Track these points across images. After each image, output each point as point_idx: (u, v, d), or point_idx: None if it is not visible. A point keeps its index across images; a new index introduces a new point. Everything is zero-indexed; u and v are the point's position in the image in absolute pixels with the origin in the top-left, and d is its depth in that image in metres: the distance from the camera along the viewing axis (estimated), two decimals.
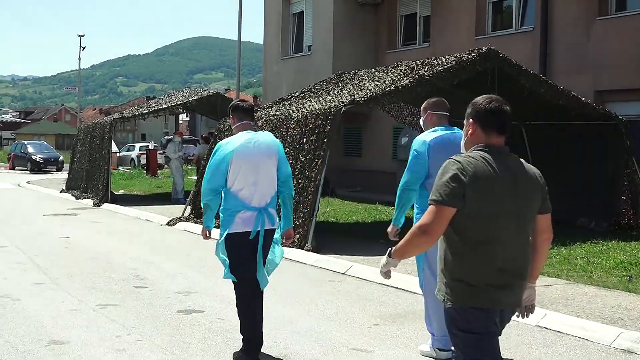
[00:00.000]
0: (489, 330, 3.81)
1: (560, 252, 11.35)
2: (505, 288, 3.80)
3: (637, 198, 14.03)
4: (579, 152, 14.80)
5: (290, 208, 6.56)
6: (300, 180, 12.57)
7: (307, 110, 13.47)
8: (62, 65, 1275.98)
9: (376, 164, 24.21)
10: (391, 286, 9.41)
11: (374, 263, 10.70)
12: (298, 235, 12.18)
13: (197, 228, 14.64)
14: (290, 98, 16.49)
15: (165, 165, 35.54)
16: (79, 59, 55.67)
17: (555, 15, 18.08)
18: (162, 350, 6.54)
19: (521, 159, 4.05)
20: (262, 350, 6.31)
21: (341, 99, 13.48)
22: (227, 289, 9.22)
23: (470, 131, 4.02)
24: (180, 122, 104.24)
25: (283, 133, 13.62)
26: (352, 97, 13.18)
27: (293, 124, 13.42)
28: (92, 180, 22.82)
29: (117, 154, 42.84)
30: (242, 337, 6.21)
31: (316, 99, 14.69)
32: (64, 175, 33.23)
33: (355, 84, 14.68)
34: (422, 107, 6.59)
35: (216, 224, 6.66)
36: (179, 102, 24.53)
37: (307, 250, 11.78)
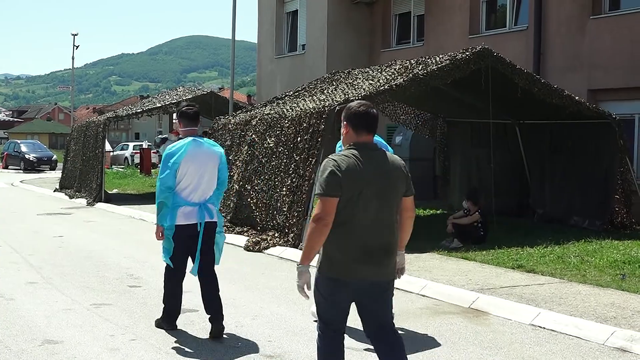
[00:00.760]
0: (341, 299, 4.71)
1: (554, 250, 11.39)
2: (371, 263, 4.63)
3: (631, 197, 14.07)
4: (572, 151, 14.83)
5: (217, 205, 7.31)
6: (294, 179, 12.57)
7: (301, 109, 13.48)
8: (55, 64, 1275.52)
9: None
10: None
11: None
12: (292, 234, 12.19)
13: None
14: (285, 97, 16.49)
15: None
16: (73, 58, 55.45)
17: (549, 14, 18.10)
18: (156, 350, 6.53)
19: (386, 153, 4.82)
20: (258, 349, 6.29)
21: (335, 98, 13.48)
22: (221, 288, 9.21)
23: (344, 131, 4.83)
24: (174, 121, 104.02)
25: (277, 132, 13.63)
26: (346, 96, 13.18)
27: (287, 123, 13.42)
28: (85, 180, 22.78)
29: (111, 153, 42.74)
30: (163, 305, 7.18)
31: (310, 98, 14.69)
32: (57, 174, 33.17)
33: (350, 83, 14.68)
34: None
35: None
36: (172, 101, 24.52)
37: (301, 249, 11.73)
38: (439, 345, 6.78)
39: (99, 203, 20.71)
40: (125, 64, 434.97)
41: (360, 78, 14.76)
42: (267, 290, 9.23)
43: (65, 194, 23.71)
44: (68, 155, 26.18)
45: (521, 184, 16.31)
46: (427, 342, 6.85)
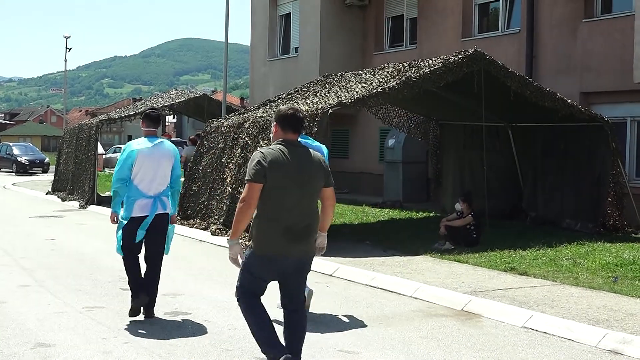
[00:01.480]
0: (266, 276, 5.53)
1: (546, 253, 11.41)
2: (295, 242, 5.41)
3: (623, 199, 14.11)
4: (565, 154, 14.87)
5: (176, 200, 8.18)
6: None
7: None
8: (47, 67, 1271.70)
9: (363, 165, 24.24)
10: (378, 288, 9.44)
11: (361, 265, 10.71)
12: None
13: (184, 230, 14.62)
14: (277, 99, 16.49)
15: None
16: (65, 60, 55.40)
17: (541, 17, 18.16)
18: (149, 353, 6.52)
19: (309, 149, 5.65)
20: (251, 353, 6.29)
21: (328, 100, 13.49)
22: (214, 291, 9.22)
23: (274, 131, 5.68)
24: (167, 123, 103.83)
25: (270, 135, 13.61)
26: (339, 98, 13.19)
27: None
28: (78, 182, 22.72)
29: (104, 156, 42.66)
30: (130, 291, 7.78)
31: (303, 100, 14.69)
32: (49, 177, 33.06)
33: (342, 86, 14.70)
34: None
35: None
36: (165, 104, 24.52)
37: None
38: (431, 347, 6.78)
39: (91, 206, 20.67)
40: (117, 66, 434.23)
41: (353, 81, 14.78)
42: None
43: (58, 197, 23.65)
44: (60, 158, 26.12)
45: (514, 186, 16.34)
46: (420, 345, 6.86)
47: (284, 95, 16.71)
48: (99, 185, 23.30)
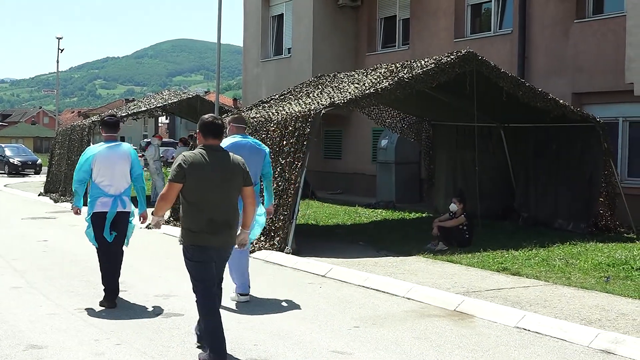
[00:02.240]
0: (204, 260, 6.16)
1: (538, 253, 11.43)
2: (216, 233, 6.11)
3: (615, 200, 14.15)
4: (557, 154, 14.90)
5: (143, 197, 8.78)
6: (280, 183, 12.55)
7: (287, 112, 13.47)
8: (40, 68, 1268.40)
9: (356, 166, 24.25)
10: (371, 288, 9.44)
11: (354, 265, 10.72)
12: (278, 238, 12.18)
13: (176, 230, 14.58)
14: (270, 100, 16.47)
15: (145, 168, 35.43)
16: (57, 61, 55.15)
17: (533, 18, 18.20)
18: (141, 354, 6.51)
19: (229, 153, 6.36)
20: (244, 354, 6.29)
21: (321, 101, 13.49)
22: None
23: (198, 138, 6.39)
24: (159, 124, 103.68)
25: (263, 135, 13.61)
26: (332, 99, 13.19)
27: (273, 126, 13.41)
28: (70, 184, 22.57)
29: None
30: (103, 287, 8.45)
31: (296, 101, 14.69)
32: (42, 178, 32.99)
33: (335, 87, 14.70)
34: (227, 120, 8.97)
35: None
36: (158, 105, 24.45)
37: (287, 253, 11.76)
38: (424, 348, 6.79)
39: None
40: (110, 67, 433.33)
41: (345, 82, 14.78)
42: (253, 293, 9.21)
43: (50, 198, 23.58)
44: (53, 159, 26.04)
45: (506, 187, 16.37)
46: (413, 345, 6.86)
47: (277, 96, 16.70)
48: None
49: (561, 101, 13.95)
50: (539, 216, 15.21)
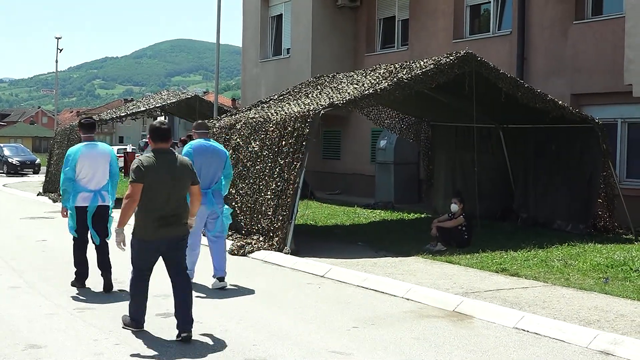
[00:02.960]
0: (145, 252, 7.04)
1: (537, 254, 11.44)
2: (167, 226, 6.94)
3: (613, 201, 14.16)
4: (555, 155, 14.90)
5: (114, 192, 9.55)
6: (279, 183, 12.56)
7: (285, 113, 13.47)
8: (39, 67, 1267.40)
9: (355, 166, 24.25)
10: (370, 289, 9.44)
11: (353, 266, 10.72)
12: (277, 238, 12.18)
13: None
14: (269, 101, 16.48)
15: None
16: (56, 61, 55.22)
17: (532, 19, 18.21)
18: (140, 354, 6.51)
19: (176, 155, 7.19)
20: (243, 354, 6.29)
21: (320, 101, 13.49)
22: (205, 293, 9.21)
23: (149, 142, 7.20)
24: None
25: (262, 136, 13.61)
26: (331, 100, 13.19)
27: (272, 126, 13.41)
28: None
29: None
30: (75, 269, 9.46)
31: (295, 101, 14.69)
32: (40, 178, 32.97)
33: (334, 87, 14.70)
34: (192, 127, 10.27)
35: None
36: (157, 105, 24.45)
37: (286, 253, 11.77)
38: (423, 348, 6.79)
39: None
40: (109, 67, 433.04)
41: (344, 82, 14.79)
42: (252, 294, 9.21)
43: (49, 198, 23.56)
44: (51, 159, 25.99)
45: (505, 188, 16.37)
46: (412, 346, 6.87)
47: (276, 96, 16.71)
48: None
49: (560, 102, 13.96)
50: (537, 217, 15.21)
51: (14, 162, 42.53)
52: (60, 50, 54.34)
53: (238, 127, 14.66)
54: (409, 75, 12.88)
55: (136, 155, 37.76)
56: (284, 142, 12.84)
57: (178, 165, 7.07)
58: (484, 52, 15.28)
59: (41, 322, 7.59)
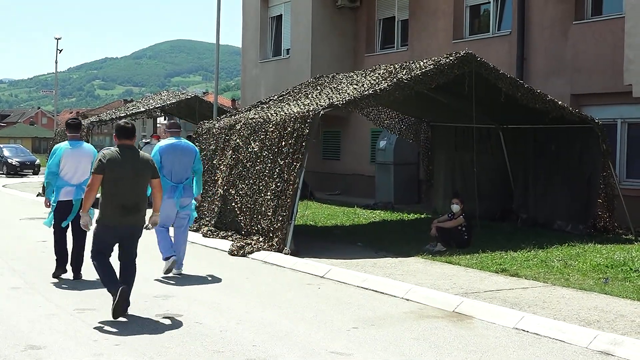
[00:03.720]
0: (107, 236, 7.88)
1: (537, 254, 11.44)
2: (127, 215, 7.77)
3: (613, 201, 14.15)
4: (555, 156, 14.90)
5: None
6: (279, 184, 12.56)
7: (285, 113, 13.47)
8: (38, 68, 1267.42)
9: (354, 167, 24.25)
10: (370, 289, 9.44)
11: (353, 266, 10.72)
12: (277, 239, 12.18)
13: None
14: (269, 101, 16.47)
15: None
16: (56, 62, 55.24)
17: (532, 19, 18.21)
18: (140, 355, 6.51)
19: (139, 151, 8.15)
20: (243, 354, 6.29)
21: (320, 102, 13.49)
22: (205, 293, 9.22)
23: (115, 139, 8.03)
24: (158, 125, 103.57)
25: (262, 136, 13.61)
26: (331, 100, 13.19)
27: (272, 127, 13.41)
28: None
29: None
30: (55, 257, 10.09)
31: (295, 102, 14.69)
32: (40, 179, 32.93)
33: (334, 88, 14.70)
34: (165, 127, 11.19)
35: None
36: (157, 106, 24.47)
37: (285, 254, 11.76)
38: (423, 349, 6.79)
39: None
40: (109, 68, 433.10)
41: (344, 82, 14.78)
42: (252, 294, 9.21)
43: None
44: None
45: (505, 188, 16.37)
46: (412, 346, 6.87)
47: (276, 96, 16.70)
48: None
49: (560, 102, 13.95)
50: (537, 217, 15.21)
51: (13, 163, 42.53)
52: (60, 50, 54.36)
53: (238, 127, 14.66)
54: (409, 76, 12.88)
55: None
56: (283, 143, 12.84)
57: (140, 160, 7.95)
58: (483, 53, 15.28)
59: (41, 323, 7.59)
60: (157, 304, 8.50)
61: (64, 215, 10.00)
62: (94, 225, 8.06)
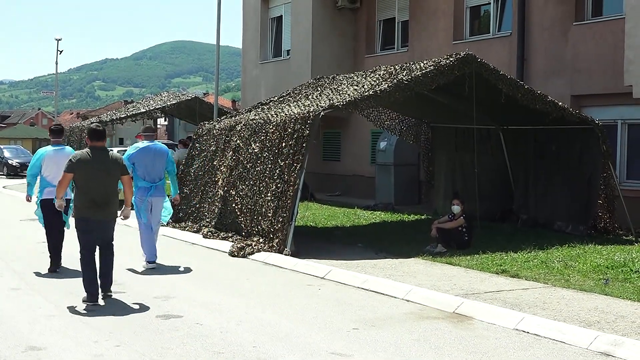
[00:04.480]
0: (86, 229, 8.66)
1: (537, 255, 11.43)
2: (98, 209, 8.62)
3: (613, 202, 14.15)
4: (556, 157, 14.90)
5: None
6: (279, 185, 12.55)
7: (286, 114, 13.47)
8: (39, 69, 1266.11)
9: (355, 168, 24.24)
10: (370, 290, 9.44)
11: (353, 267, 10.72)
12: (277, 240, 12.18)
13: (176, 233, 14.61)
14: (269, 102, 16.47)
15: None
16: (56, 63, 55.29)
17: (532, 20, 18.20)
18: (140, 356, 6.51)
19: (110, 151, 9.02)
20: (243, 355, 6.29)
21: (320, 103, 13.49)
22: (206, 294, 9.22)
23: (87, 141, 8.82)
24: (158, 126, 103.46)
25: (262, 137, 13.61)
26: (331, 101, 13.19)
27: (272, 128, 13.41)
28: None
29: None
30: (49, 254, 10.82)
31: (295, 103, 14.69)
32: None
33: (334, 89, 14.70)
34: (140, 131, 11.94)
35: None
36: (157, 107, 24.46)
37: (286, 255, 11.76)
38: (423, 350, 6.79)
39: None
40: (109, 69, 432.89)
41: (344, 83, 14.78)
42: (252, 295, 9.21)
43: None
44: None
45: (505, 189, 16.37)
46: (412, 347, 6.87)
47: (276, 97, 16.70)
48: None
49: (560, 103, 13.95)
50: (538, 218, 15.21)
51: (13, 164, 42.50)
52: (60, 51, 54.40)
53: (238, 128, 14.66)
54: (409, 77, 12.88)
55: None
56: (284, 144, 12.84)
57: (110, 160, 8.81)
58: (484, 54, 15.28)
59: (41, 324, 7.60)
60: (157, 305, 8.51)
61: (48, 212, 10.71)
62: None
